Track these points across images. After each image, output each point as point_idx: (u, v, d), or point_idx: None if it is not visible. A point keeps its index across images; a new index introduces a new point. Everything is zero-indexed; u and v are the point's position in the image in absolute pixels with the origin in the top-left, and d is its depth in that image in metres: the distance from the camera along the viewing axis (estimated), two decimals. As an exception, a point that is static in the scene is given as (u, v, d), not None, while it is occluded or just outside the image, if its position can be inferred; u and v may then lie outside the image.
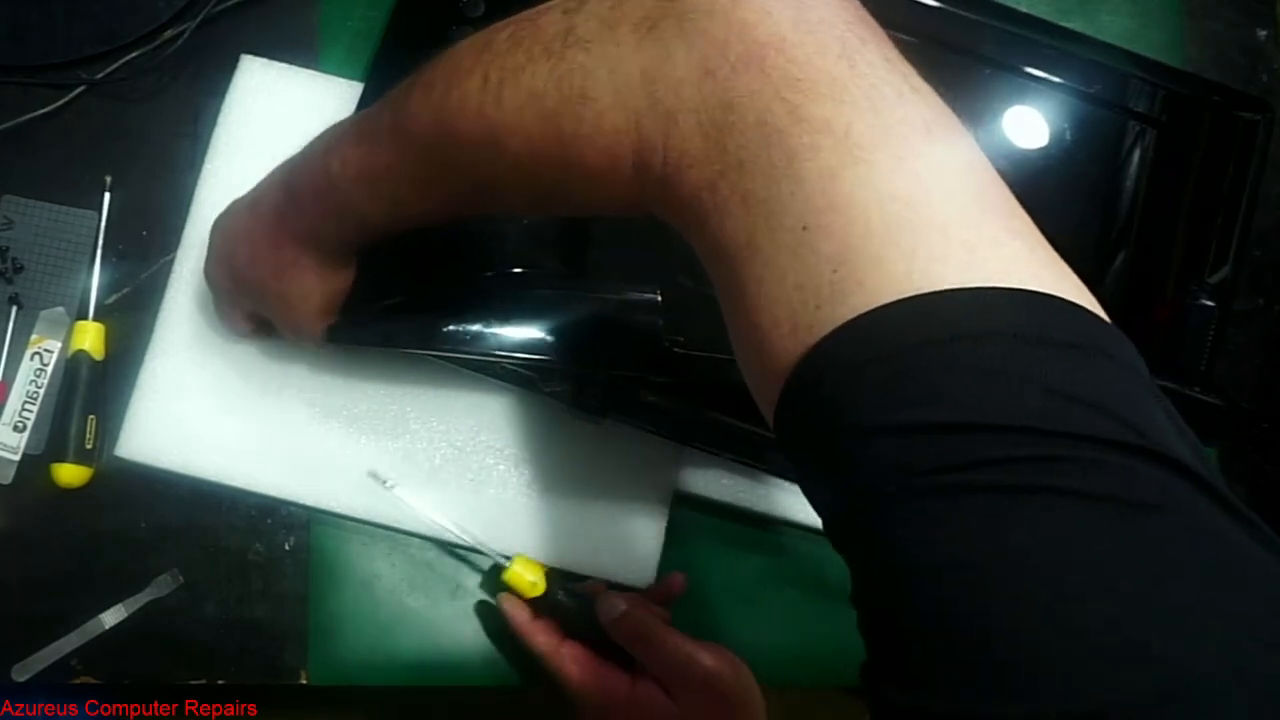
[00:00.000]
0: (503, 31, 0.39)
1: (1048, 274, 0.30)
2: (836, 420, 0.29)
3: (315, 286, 0.52)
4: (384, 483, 0.60)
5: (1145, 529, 0.25)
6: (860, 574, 0.30)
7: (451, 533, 0.60)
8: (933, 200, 0.30)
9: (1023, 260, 0.30)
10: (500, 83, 0.38)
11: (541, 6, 0.38)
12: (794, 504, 0.64)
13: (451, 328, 0.56)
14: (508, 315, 0.56)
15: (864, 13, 0.34)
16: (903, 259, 0.29)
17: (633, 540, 0.63)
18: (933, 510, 0.27)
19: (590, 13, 0.36)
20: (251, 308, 0.56)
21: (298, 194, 0.48)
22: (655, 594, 0.61)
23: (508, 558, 0.59)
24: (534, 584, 0.59)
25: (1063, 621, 0.24)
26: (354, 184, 0.45)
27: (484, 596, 0.63)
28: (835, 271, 0.30)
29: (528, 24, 0.38)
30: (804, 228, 0.31)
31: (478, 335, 0.56)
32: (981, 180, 0.32)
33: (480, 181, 0.41)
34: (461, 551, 0.63)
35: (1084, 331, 0.29)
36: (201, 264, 0.61)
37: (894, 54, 0.34)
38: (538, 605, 0.59)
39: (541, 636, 0.58)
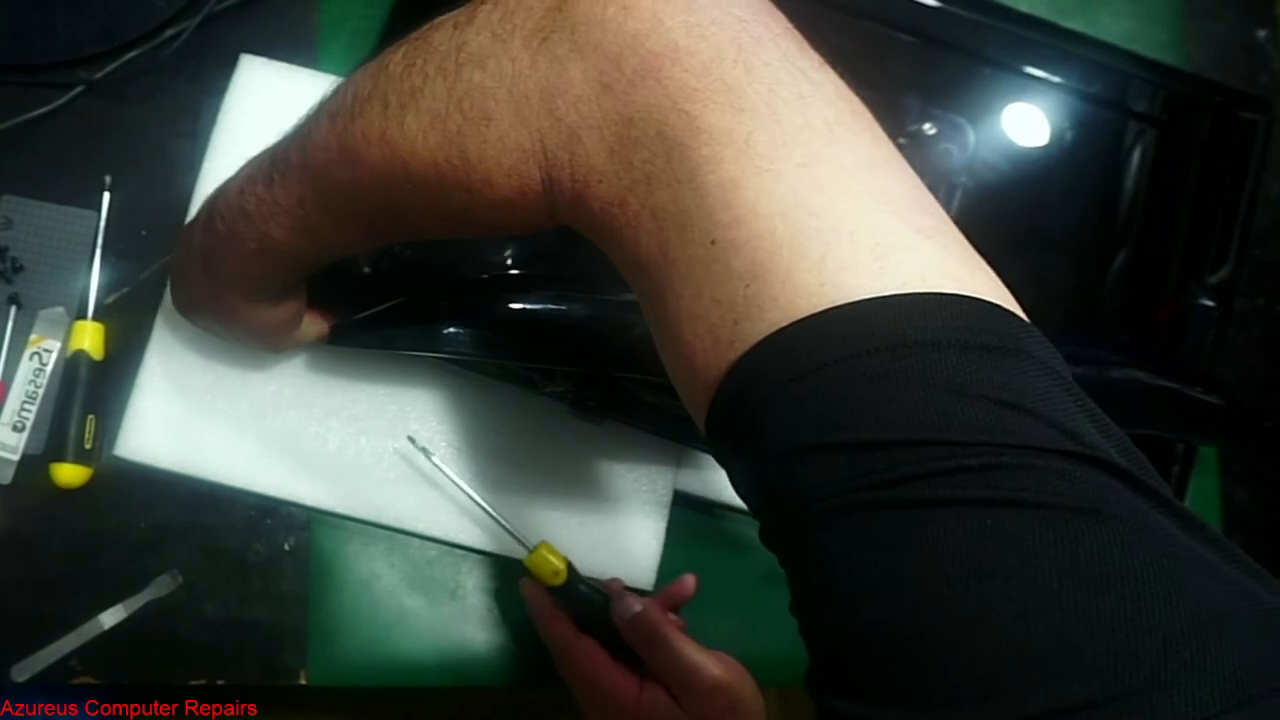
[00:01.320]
0: (396, 53, 0.38)
1: (963, 272, 0.30)
2: (761, 440, 0.29)
3: (263, 321, 0.52)
4: (427, 453, 0.59)
5: (1080, 534, 0.25)
6: (797, 586, 0.30)
7: (485, 511, 0.59)
8: (838, 206, 0.30)
9: (936, 261, 0.30)
10: (401, 106, 0.37)
11: (433, 22, 0.38)
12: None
13: (451, 330, 0.56)
14: (507, 317, 0.56)
15: (758, 3, 0.34)
16: (812, 270, 0.29)
17: (633, 540, 0.63)
18: (863, 526, 0.27)
19: (480, 26, 0.36)
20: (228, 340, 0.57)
21: (220, 238, 0.47)
22: (668, 597, 0.61)
23: (531, 544, 0.59)
24: (556, 573, 0.58)
25: (999, 630, 0.24)
26: (270, 222, 0.44)
27: (484, 597, 0.63)
28: (748, 287, 0.30)
29: (420, 43, 0.37)
30: (712, 242, 0.31)
31: (477, 337, 0.56)
32: (888, 178, 0.32)
33: (391, 209, 0.41)
34: (462, 551, 0.63)
35: (1003, 332, 0.29)
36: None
37: (792, 47, 0.33)
38: (556, 596, 0.59)
39: (557, 626, 0.58)
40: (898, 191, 0.31)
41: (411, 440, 0.60)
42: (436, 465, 0.59)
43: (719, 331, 0.30)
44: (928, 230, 0.30)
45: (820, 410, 0.28)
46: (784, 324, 0.29)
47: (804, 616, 0.29)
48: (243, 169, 0.47)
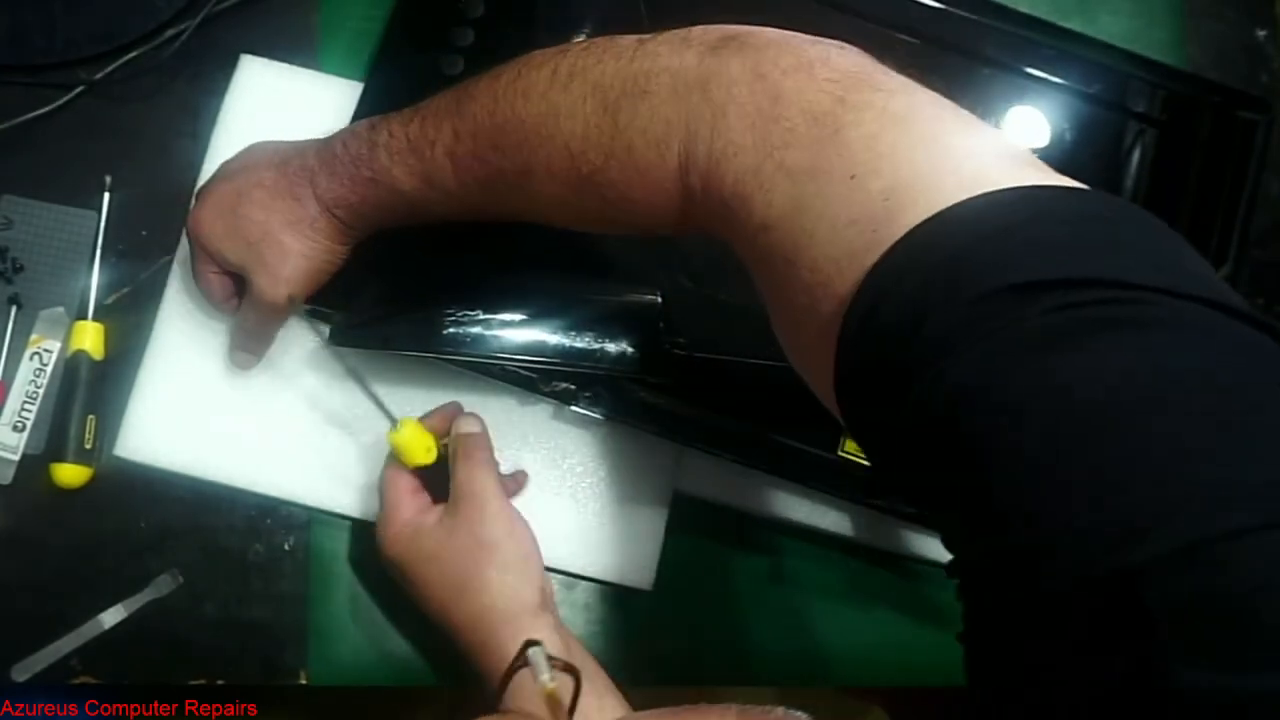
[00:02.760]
0: (580, 44, 0.43)
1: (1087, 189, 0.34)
2: (923, 304, 0.30)
3: (315, 249, 0.53)
4: (321, 332, 0.54)
5: (1220, 353, 0.28)
6: (956, 449, 0.30)
7: (360, 385, 0.56)
8: (969, 145, 0.34)
9: (1061, 180, 0.34)
10: (570, 76, 0.43)
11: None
12: (794, 504, 0.64)
13: (451, 330, 0.56)
14: (508, 317, 0.56)
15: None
16: (950, 176, 0.32)
17: (633, 540, 0.63)
18: (1019, 354, 0.28)
19: (664, 38, 0.42)
20: (233, 258, 0.54)
21: (336, 159, 0.51)
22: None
23: (395, 420, 0.56)
24: (429, 449, 0.56)
25: (1161, 439, 0.26)
26: (396, 156, 0.48)
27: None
28: (887, 200, 0.33)
29: (605, 39, 0.43)
30: (852, 176, 0.34)
31: (478, 337, 0.56)
32: (1006, 140, 0.37)
33: (520, 166, 0.44)
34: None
35: (1142, 217, 0.32)
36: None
37: (911, 82, 0.38)
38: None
39: (390, 471, 0.57)
40: (1018, 149, 0.36)
41: (308, 312, 0.54)
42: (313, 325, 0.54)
43: (855, 245, 0.33)
44: (1050, 174, 0.34)
45: (981, 267, 0.30)
46: (927, 216, 0.31)
47: (955, 473, 0.30)
48: (373, 118, 0.51)
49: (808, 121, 0.36)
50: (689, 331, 0.58)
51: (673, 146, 0.39)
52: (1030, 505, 0.27)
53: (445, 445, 0.57)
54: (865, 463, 0.59)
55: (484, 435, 0.57)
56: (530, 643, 0.37)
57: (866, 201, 0.33)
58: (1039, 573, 0.27)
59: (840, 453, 0.59)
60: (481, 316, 0.56)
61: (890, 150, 0.34)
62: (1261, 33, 0.80)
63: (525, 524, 0.56)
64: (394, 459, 0.57)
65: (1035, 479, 0.27)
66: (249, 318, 0.57)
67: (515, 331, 0.56)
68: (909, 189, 0.33)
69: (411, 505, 0.56)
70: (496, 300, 0.57)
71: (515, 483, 0.61)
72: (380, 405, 0.56)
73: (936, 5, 0.66)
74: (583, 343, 0.58)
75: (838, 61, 0.38)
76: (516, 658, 0.36)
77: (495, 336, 0.56)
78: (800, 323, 0.37)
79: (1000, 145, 0.35)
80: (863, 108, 0.36)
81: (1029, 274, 0.29)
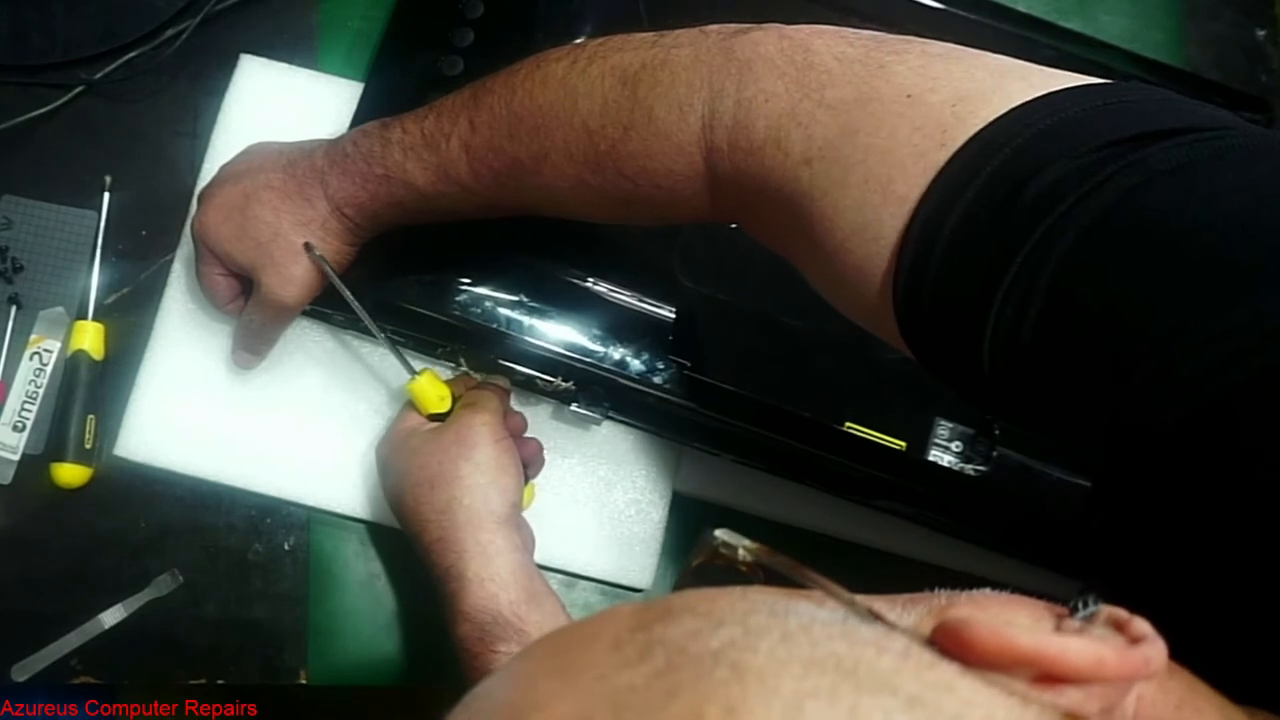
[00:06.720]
0: (598, 39, 0.44)
1: None
2: (1042, 161, 0.31)
3: (325, 249, 0.53)
4: (324, 260, 0.53)
5: None
6: (1090, 267, 0.30)
7: (379, 333, 0.56)
8: (1018, 62, 0.36)
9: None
10: (589, 61, 0.43)
11: None
12: (794, 504, 0.64)
13: (462, 298, 0.57)
14: (518, 298, 0.58)
15: None
16: (1017, 81, 0.34)
17: (632, 541, 0.63)
18: (1166, 173, 0.30)
19: (682, 31, 0.42)
20: (242, 259, 0.54)
21: (347, 158, 0.51)
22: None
23: (415, 371, 0.58)
24: (442, 398, 0.58)
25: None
26: (410, 152, 0.48)
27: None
28: (955, 106, 0.34)
29: (622, 35, 0.44)
30: (908, 96, 0.35)
31: (487, 311, 0.57)
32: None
33: (539, 150, 0.44)
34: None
35: (1165, 92, 0.35)
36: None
37: None
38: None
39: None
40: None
41: (308, 247, 0.53)
42: (331, 275, 0.54)
43: (922, 148, 0.34)
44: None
45: (1090, 129, 0.32)
46: (1003, 111, 0.33)
47: (1107, 287, 0.30)
48: (385, 118, 0.51)
49: (844, 65, 0.37)
50: (696, 353, 0.58)
51: (695, 107, 0.39)
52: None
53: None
54: (863, 463, 0.59)
55: (495, 394, 0.58)
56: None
57: (930, 112, 0.34)
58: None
59: (840, 456, 0.59)
60: (493, 293, 0.58)
61: (945, 73, 0.35)
62: (1261, 33, 0.80)
63: (515, 454, 0.56)
64: (410, 407, 0.59)
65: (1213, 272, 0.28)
66: (255, 318, 0.57)
67: (524, 313, 0.58)
68: (976, 97, 0.33)
69: (413, 420, 0.58)
70: (510, 280, 0.58)
71: (516, 424, 0.60)
72: (400, 357, 0.57)
73: (936, 5, 0.66)
74: (588, 339, 0.58)
75: (860, 31, 0.39)
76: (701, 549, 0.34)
77: (504, 313, 0.57)
78: (849, 248, 0.36)
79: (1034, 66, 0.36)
80: (901, 51, 0.36)
81: (1142, 128, 0.31)
